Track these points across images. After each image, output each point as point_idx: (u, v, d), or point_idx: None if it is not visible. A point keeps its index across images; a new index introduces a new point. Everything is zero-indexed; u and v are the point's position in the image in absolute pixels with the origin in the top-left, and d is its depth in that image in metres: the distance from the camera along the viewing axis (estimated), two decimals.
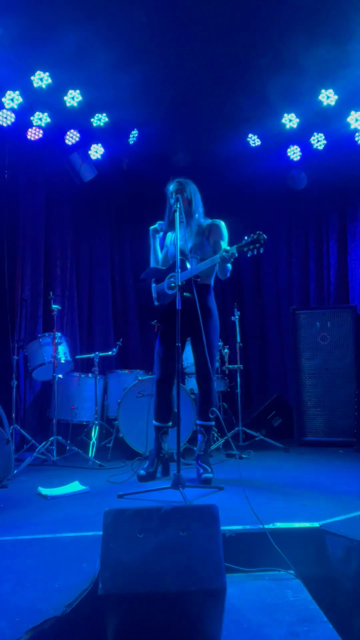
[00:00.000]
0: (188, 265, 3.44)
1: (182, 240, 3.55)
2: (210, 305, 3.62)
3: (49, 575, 1.89)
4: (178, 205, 3.26)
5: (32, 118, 5.14)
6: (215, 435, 5.15)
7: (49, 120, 5.19)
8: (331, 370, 5.23)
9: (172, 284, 3.51)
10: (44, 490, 3.23)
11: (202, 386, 3.61)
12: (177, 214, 3.26)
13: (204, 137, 5.91)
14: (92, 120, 5.43)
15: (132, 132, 5.74)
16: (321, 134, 5.45)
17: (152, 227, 3.85)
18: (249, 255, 3.27)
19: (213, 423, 3.70)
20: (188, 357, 5.15)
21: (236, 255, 3.30)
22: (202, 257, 3.53)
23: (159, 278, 3.70)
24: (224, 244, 3.56)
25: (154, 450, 3.67)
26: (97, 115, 5.42)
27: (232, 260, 3.34)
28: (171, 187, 3.61)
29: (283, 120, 5.52)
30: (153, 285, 3.69)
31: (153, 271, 3.78)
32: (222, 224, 3.64)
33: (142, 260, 6.51)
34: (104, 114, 5.43)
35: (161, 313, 3.62)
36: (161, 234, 3.84)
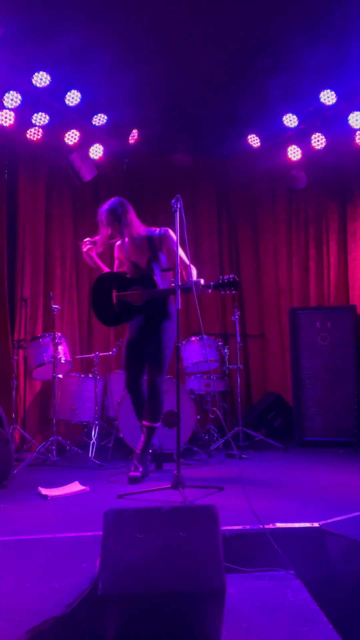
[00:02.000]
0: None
1: (135, 256, 3.71)
2: (170, 310, 3.72)
3: (49, 575, 1.89)
4: (178, 206, 3.26)
5: (32, 118, 5.13)
6: (216, 435, 5.16)
7: (48, 120, 5.18)
8: (331, 370, 5.23)
9: (139, 301, 3.59)
10: (44, 490, 3.23)
11: (150, 387, 3.62)
12: (176, 214, 3.26)
13: (204, 137, 5.91)
14: (92, 120, 5.43)
15: (132, 132, 5.74)
16: (321, 134, 5.44)
17: (85, 250, 3.87)
18: (221, 293, 3.51)
19: (157, 426, 3.66)
20: (188, 357, 5.16)
21: (209, 292, 3.51)
22: (160, 268, 3.66)
23: (120, 286, 3.68)
24: (180, 250, 3.66)
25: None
26: (97, 115, 5.42)
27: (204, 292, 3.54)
28: (105, 217, 3.70)
29: (283, 120, 5.52)
30: (115, 292, 3.68)
31: (114, 276, 3.76)
32: (170, 231, 3.72)
33: None
34: (104, 114, 5.43)
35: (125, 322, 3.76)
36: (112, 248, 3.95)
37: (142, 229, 3.72)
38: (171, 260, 3.71)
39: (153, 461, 3.90)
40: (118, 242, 3.87)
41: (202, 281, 3.48)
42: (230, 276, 3.44)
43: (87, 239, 3.87)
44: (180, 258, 3.60)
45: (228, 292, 3.44)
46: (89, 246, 3.84)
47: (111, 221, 3.67)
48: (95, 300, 3.79)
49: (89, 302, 6.17)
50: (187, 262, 3.63)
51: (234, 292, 3.45)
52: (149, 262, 3.67)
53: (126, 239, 3.71)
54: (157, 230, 3.74)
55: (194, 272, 3.60)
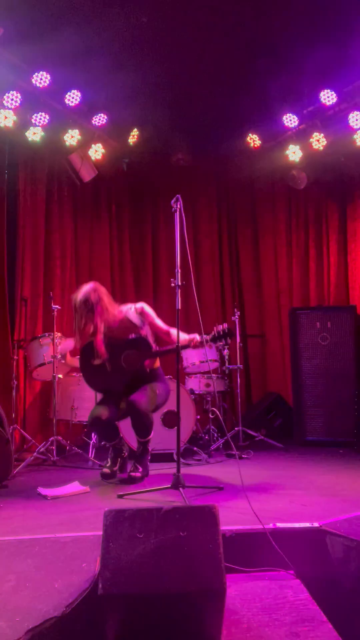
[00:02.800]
0: None
1: (116, 341, 3.62)
2: (160, 374, 3.82)
3: (49, 575, 1.89)
4: (178, 206, 3.26)
5: (32, 118, 5.13)
6: (216, 435, 5.16)
7: (48, 120, 5.18)
8: (331, 370, 5.23)
9: (134, 364, 3.59)
10: (44, 490, 3.23)
11: (134, 413, 3.57)
12: (176, 214, 3.26)
13: (204, 137, 5.91)
14: (92, 120, 5.43)
15: (132, 132, 5.74)
16: (321, 134, 5.45)
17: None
18: (215, 343, 3.60)
19: (149, 439, 3.70)
20: (188, 357, 5.16)
21: (206, 346, 3.59)
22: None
23: (112, 351, 3.63)
24: (158, 320, 3.75)
25: (113, 453, 3.81)
26: (97, 115, 5.42)
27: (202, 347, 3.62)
28: (78, 307, 3.62)
29: (283, 120, 5.52)
30: (108, 362, 3.64)
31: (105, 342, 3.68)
32: (146, 306, 3.77)
33: (142, 260, 6.55)
34: (104, 114, 5.43)
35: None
36: None
37: (117, 311, 3.69)
38: (152, 333, 3.76)
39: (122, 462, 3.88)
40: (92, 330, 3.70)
41: (197, 337, 3.51)
42: (225, 326, 3.52)
43: (60, 345, 3.78)
44: (158, 326, 3.71)
45: (224, 342, 3.53)
46: (66, 347, 3.79)
47: (85, 312, 3.57)
48: (85, 367, 3.72)
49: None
50: (166, 327, 3.69)
51: (229, 340, 3.55)
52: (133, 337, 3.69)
53: (101, 327, 3.58)
54: (132, 307, 3.74)
55: (182, 335, 3.51)
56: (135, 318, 3.69)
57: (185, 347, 3.47)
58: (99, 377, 3.70)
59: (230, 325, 3.64)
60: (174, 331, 3.61)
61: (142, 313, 3.72)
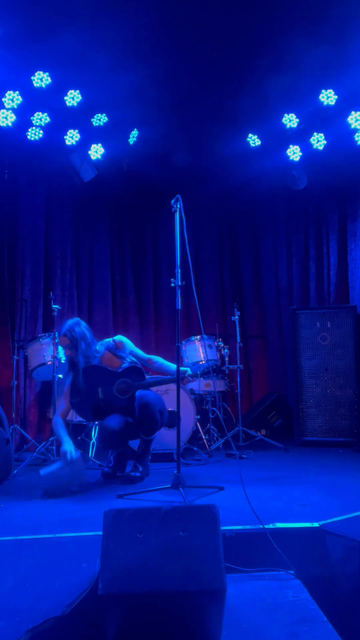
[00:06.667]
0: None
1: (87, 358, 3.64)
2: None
3: (49, 575, 1.89)
4: (178, 206, 3.26)
5: (32, 118, 5.13)
6: (216, 435, 5.16)
7: (49, 120, 5.18)
8: (331, 370, 5.23)
9: (126, 394, 3.61)
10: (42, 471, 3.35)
11: (143, 408, 3.60)
12: (176, 214, 3.26)
13: (204, 137, 5.91)
14: (92, 120, 5.43)
15: (132, 132, 5.74)
16: (321, 134, 5.44)
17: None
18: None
19: (152, 438, 3.71)
20: (188, 357, 5.16)
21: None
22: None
23: (107, 380, 3.63)
24: (137, 350, 3.83)
25: (114, 453, 3.81)
26: (97, 115, 5.42)
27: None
28: (60, 345, 3.70)
29: (283, 120, 5.52)
30: (100, 388, 3.63)
31: (100, 370, 3.65)
32: (124, 338, 3.83)
33: (142, 260, 6.55)
34: (104, 114, 5.43)
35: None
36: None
37: (97, 345, 3.74)
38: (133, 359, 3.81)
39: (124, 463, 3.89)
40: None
41: (188, 370, 3.67)
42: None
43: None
44: (139, 356, 3.77)
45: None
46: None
47: (69, 346, 3.62)
48: (77, 393, 3.66)
49: (89, 301, 6.17)
50: (146, 355, 3.78)
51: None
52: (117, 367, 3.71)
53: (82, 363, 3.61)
54: (112, 341, 3.79)
55: (173, 365, 3.59)
56: (116, 351, 3.75)
57: (173, 380, 3.47)
58: (92, 405, 3.65)
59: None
60: (155, 358, 3.76)
61: (119, 344, 3.77)
